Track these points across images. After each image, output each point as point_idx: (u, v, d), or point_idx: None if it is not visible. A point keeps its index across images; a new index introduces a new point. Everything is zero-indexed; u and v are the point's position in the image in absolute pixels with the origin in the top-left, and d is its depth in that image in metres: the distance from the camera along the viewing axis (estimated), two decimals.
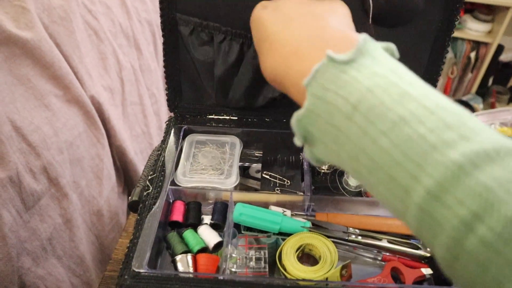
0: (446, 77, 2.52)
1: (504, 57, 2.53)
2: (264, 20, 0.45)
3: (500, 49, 2.39)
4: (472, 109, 2.42)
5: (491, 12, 2.29)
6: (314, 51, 0.37)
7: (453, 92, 2.60)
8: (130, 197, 0.64)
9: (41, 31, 0.85)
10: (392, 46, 0.35)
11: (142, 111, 1.13)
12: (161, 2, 0.64)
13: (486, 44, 2.34)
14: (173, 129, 0.72)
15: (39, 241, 0.79)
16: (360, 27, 0.59)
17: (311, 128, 0.35)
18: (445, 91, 2.54)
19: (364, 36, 0.33)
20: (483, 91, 2.56)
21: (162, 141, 0.71)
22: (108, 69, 1.02)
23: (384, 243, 0.60)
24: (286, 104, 0.73)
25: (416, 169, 0.28)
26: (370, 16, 0.60)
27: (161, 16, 0.65)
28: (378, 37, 0.61)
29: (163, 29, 0.66)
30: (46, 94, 0.85)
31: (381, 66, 0.32)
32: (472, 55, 2.39)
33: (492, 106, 2.54)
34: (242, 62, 0.66)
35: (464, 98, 2.50)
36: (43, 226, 0.80)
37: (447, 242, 0.27)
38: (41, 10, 0.89)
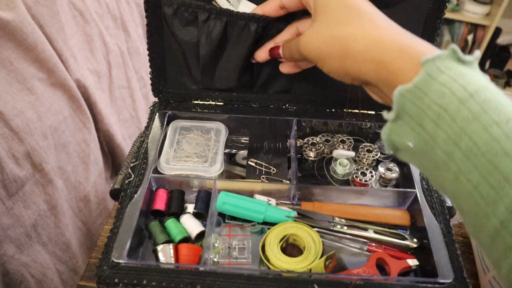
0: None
1: (501, 40, 2.50)
2: None
3: (497, 32, 2.36)
4: None
5: None
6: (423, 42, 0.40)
7: None
8: (111, 185, 0.62)
9: (23, 11, 0.82)
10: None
11: (130, 95, 1.11)
12: None
13: (483, 27, 2.31)
14: (157, 114, 0.70)
15: (23, 228, 0.77)
16: None
17: (410, 105, 0.35)
18: None
19: (478, 53, 0.37)
20: None
21: (145, 127, 0.69)
22: (94, 52, 0.99)
23: (370, 234, 0.59)
24: (274, 89, 0.71)
25: None
26: None
27: None
28: None
29: (146, 10, 0.64)
30: (29, 77, 0.83)
31: (484, 75, 0.36)
32: (470, 38, 2.37)
33: None
34: (227, 40, 0.64)
35: None
36: (27, 212, 0.78)
37: None
38: None
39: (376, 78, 0.41)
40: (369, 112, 0.71)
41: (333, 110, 0.71)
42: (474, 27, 2.35)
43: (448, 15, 2.32)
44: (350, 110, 0.71)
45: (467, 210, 0.34)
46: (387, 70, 0.39)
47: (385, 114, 0.38)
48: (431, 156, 0.35)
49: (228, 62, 0.65)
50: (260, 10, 0.59)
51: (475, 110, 0.32)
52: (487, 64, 2.56)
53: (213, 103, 0.72)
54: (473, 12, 2.28)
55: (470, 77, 0.34)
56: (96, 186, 0.97)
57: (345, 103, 0.70)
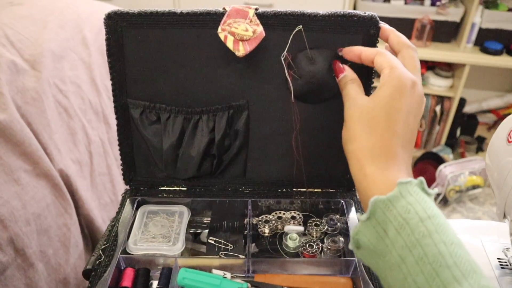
0: (416, 131, 2.62)
1: (468, 109, 2.67)
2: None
3: (462, 102, 2.53)
4: (442, 160, 2.52)
5: (450, 68, 2.45)
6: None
7: (423, 144, 2.71)
8: (84, 266, 0.70)
9: (13, 112, 0.93)
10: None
11: (110, 181, 1.20)
12: (113, 90, 0.73)
13: (449, 98, 2.48)
14: (128, 200, 0.79)
15: None
16: (286, 103, 0.70)
17: (379, 212, 0.46)
18: (416, 144, 2.65)
19: (437, 190, 0.49)
20: (452, 142, 2.67)
21: (117, 212, 0.77)
22: (77, 143, 1.09)
23: None
24: (230, 174, 0.81)
25: (460, 276, 0.40)
26: (292, 95, 0.69)
27: (114, 101, 0.74)
28: (303, 112, 0.71)
29: (116, 113, 0.75)
30: (16, 169, 0.92)
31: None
32: (438, 108, 2.53)
33: (461, 155, 2.65)
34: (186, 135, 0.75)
35: (435, 150, 2.61)
36: None
37: None
38: (14, 93, 0.98)
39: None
40: (316, 190, 0.80)
41: (284, 190, 0.81)
42: (440, 99, 2.51)
43: None
44: (298, 189, 0.80)
45: None
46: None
47: (359, 215, 0.49)
48: (388, 257, 0.45)
49: (187, 153, 0.76)
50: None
51: (430, 229, 0.43)
52: (458, 132, 2.71)
53: (178, 188, 0.81)
54: (437, 86, 2.46)
55: (430, 204, 0.45)
56: (76, 267, 1.03)
57: (293, 183, 0.80)
